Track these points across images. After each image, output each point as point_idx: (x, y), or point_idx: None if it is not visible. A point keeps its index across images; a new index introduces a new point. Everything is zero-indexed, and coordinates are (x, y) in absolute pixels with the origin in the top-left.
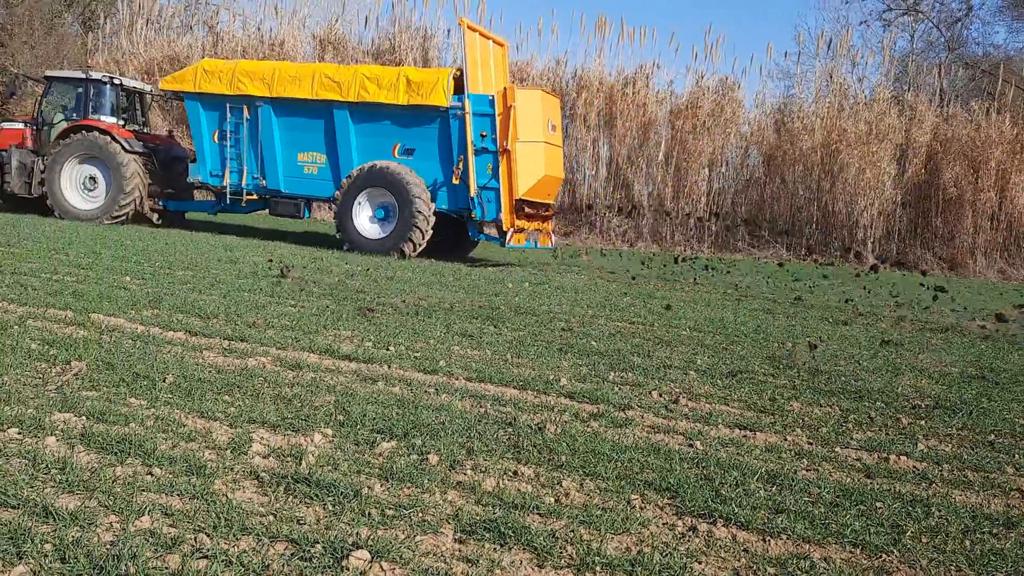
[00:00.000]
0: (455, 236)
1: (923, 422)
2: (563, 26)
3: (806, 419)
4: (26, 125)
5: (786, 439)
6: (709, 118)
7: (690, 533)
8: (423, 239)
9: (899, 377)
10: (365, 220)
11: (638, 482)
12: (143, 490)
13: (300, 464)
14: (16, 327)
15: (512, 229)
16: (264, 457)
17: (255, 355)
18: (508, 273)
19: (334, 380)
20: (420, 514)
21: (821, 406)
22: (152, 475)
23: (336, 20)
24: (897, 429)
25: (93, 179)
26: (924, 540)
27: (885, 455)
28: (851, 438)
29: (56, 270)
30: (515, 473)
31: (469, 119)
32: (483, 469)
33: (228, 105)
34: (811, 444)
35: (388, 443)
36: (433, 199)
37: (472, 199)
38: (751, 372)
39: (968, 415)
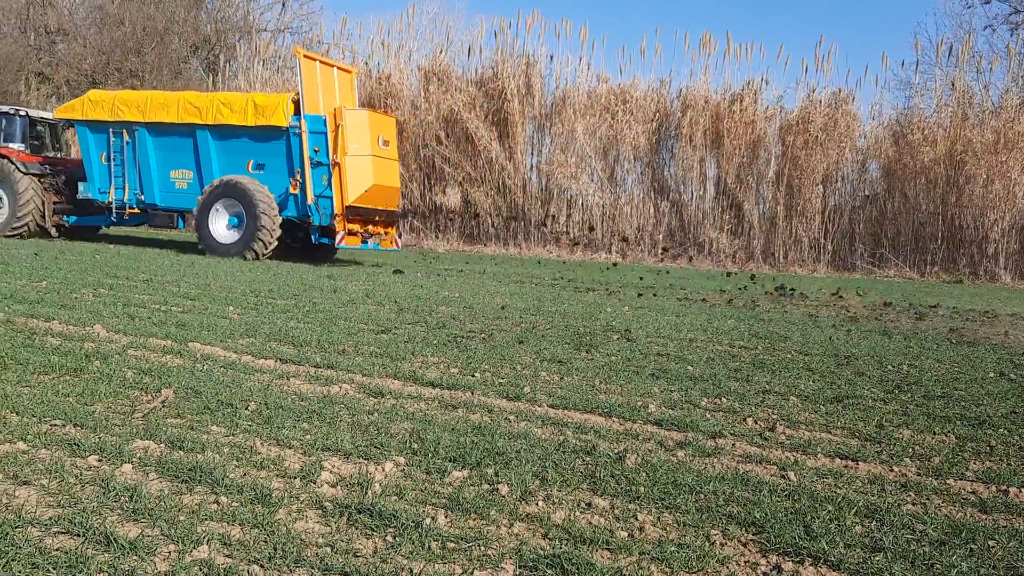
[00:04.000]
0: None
1: None
2: (666, 46)
3: (916, 448)
4: None
5: (892, 470)
6: (822, 133)
7: (773, 573)
8: (269, 244)
9: None
10: (222, 227)
11: (721, 516)
12: (206, 519)
13: (366, 494)
14: (117, 356)
15: (343, 232)
16: (332, 486)
17: (339, 382)
18: (606, 298)
19: (414, 407)
20: (482, 547)
21: (935, 433)
22: (218, 504)
23: (441, 52)
24: (1021, 459)
25: (1, 198)
26: None
27: (1004, 488)
28: (966, 469)
29: (166, 301)
30: (588, 505)
31: (305, 136)
32: (555, 500)
33: (111, 130)
34: (920, 475)
35: (459, 472)
36: (283, 208)
37: (309, 206)
38: (859, 397)
39: None
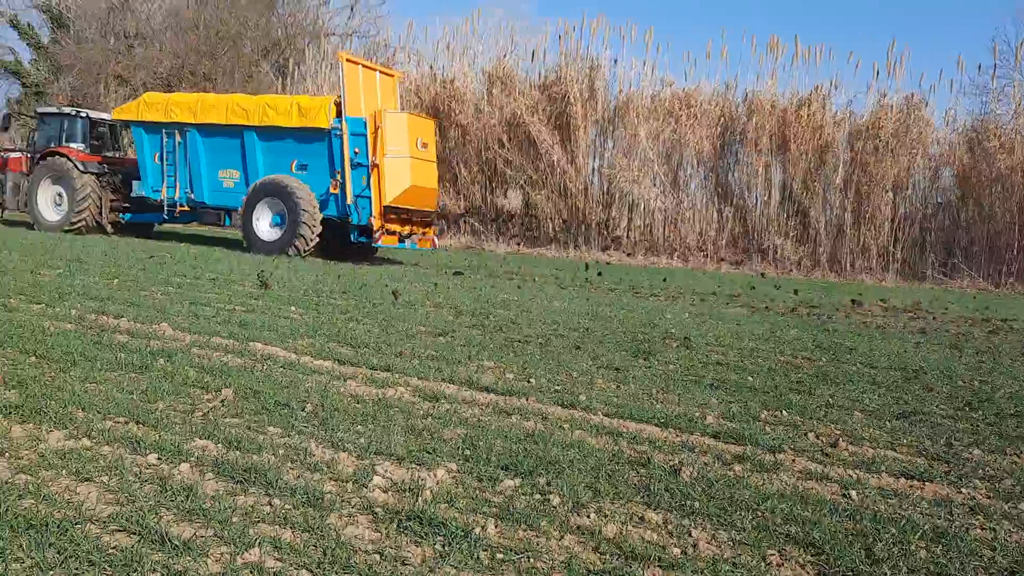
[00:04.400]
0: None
1: None
2: (732, 50)
3: (987, 469)
4: (23, 152)
5: (960, 491)
6: (893, 139)
7: None
8: (310, 240)
9: None
10: (265, 225)
11: (778, 535)
12: (258, 521)
13: (417, 500)
14: (180, 354)
15: (381, 231)
16: (384, 491)
17: (395, 385)
18: (668, 304)
19: (468, 412)
20: (531, 560)
21: (1007, 454)
22: (271, 506)
23: (505, 56)
24: None
25: (60, 195)
26: None
27: None
28: None
29: (230, 300)
30: (641, 519)
31: (346, 138)
32: (607, 513)
33: (164, 131)
34: (990, 498)
35: (511, 480)
36: (324, 208)
37: (348, 206)
38: (927, 413)
39: None
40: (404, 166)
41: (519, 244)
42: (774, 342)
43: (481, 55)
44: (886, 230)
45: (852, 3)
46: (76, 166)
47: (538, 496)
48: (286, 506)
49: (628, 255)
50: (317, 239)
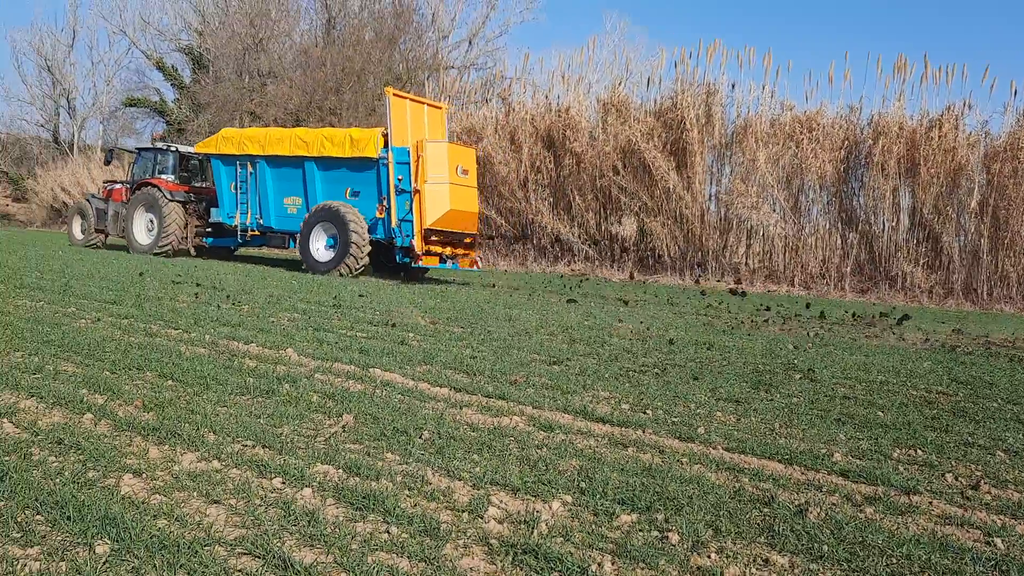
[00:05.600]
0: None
1: None
2: (856, 71)
3: None
4: (123, 184)
5: None
6: None
7: None
8: (359, 262)
9: None
10: (321, 247)
11: None
12: (376, 549)
13: (532, 533)
14: (304, 380)
15: (421, 252)
16: (499, 522)
17: (510, 414)
18: (787, 334)
19: (583, 443)
20: None
21: None
22: (389, 533)
23: (620, 83)
24: None
25: (152, 222)
26: None
27: None
28: None
29: (352, 327)
30: (766, 561)
31: (391, 166)
32: (729, 554)
33: (238, 162)
34: None
35: (628, 516)
36: (372, 231)
37: (393, 229)
38: None
39: None
40: (444, 191)
41: (633, 271)
42: (905, 375)
43: (596, 83)
44: None
45: (984, 20)
46: (164, 195)
47: (656, 533)
48: (403, 534)
49: (747, 282)
50: (367, 259)
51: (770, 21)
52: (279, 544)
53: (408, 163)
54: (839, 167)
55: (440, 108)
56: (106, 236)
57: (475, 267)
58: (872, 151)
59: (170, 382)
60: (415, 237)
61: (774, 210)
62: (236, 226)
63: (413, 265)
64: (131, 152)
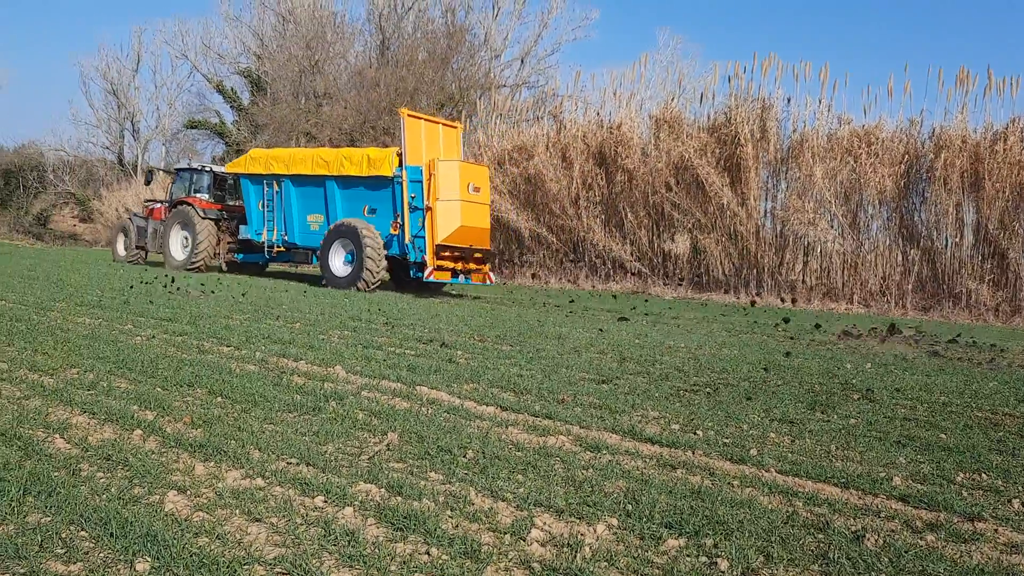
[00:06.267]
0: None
1: None
2: (916, 84)
3: None
4: (162, 203)
5: None
6: None
7: None
8: (375, 276)
9: None
10: (339, 262)
11: None
12: (415, 571)
13: (575, 557)
14: (351, 397)
15: (433, 267)
16: (541, 545)
17: (556, 433)
18: (845, 353)
19: (630, 464)
20: None
21: None
22: (429, 555)
23: (673, 99)
24: None
25: (187, 239)
26: None
27: None
28: None
29: (400, 344)
30: None
31: (405, 185)
32: None
33: (265, 182)
34: None
35: (675, 540)
36: (388, 247)
37: (407, 245)
38: None
39: None
40: (455, 208)
41: (687, 289)
42: (969, 395)
43: (648, 100)
44: None
45: None
46: (198, 213)
47: (704, 559)
48: (443, 556)
49: (804, 300)
50: (382, 274)
51: (827, 34)
52: (318, 564)
53: (421, 181)
54: (899, 182)
55: (455, 127)
56: (146, 253)
57: (488, 281)
58: (934, 165)
59: (219, 399)
60: (427, 252)
61: (832, 226)
62: (263, 242)
63: (425, 279)
64: (167, 172)
